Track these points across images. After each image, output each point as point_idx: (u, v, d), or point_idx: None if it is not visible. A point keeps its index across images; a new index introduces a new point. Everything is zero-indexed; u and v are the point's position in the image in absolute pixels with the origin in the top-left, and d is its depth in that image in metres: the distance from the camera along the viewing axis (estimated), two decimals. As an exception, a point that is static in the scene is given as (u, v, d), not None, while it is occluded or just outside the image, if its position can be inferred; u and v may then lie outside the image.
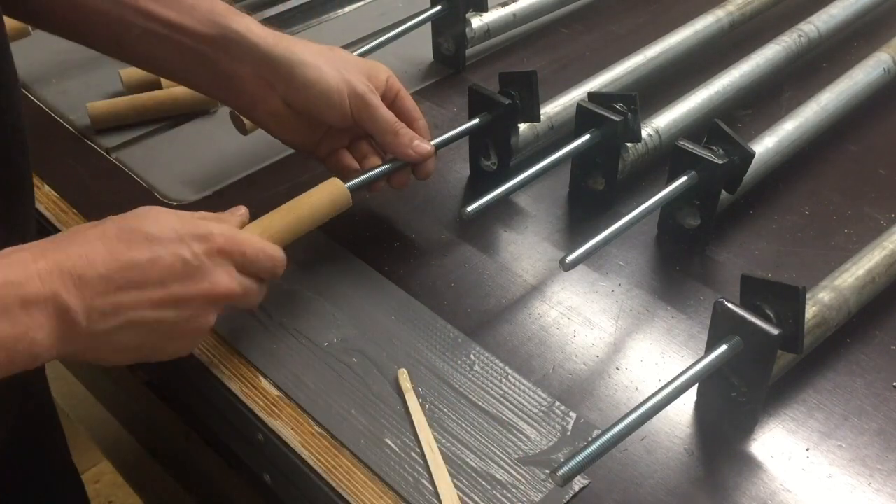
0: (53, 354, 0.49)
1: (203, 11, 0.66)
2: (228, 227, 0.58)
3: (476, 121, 0.76)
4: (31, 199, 0.65)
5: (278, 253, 0.61)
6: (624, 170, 0.76)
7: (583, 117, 0.74)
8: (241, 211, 0.63)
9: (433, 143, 0.72)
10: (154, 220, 0.54)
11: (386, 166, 0.71)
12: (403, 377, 0.62)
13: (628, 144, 0.75)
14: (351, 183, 0.68)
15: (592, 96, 0.74)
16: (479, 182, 0.81)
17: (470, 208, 0.66)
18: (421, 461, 0.57)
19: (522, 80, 0.74)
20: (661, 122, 0.79)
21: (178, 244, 0.54)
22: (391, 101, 0.71)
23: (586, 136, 0.73)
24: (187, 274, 0.54)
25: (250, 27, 0.67)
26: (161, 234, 0.53)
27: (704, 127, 0.71)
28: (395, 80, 0.72)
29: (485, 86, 0.76)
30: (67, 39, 0.70)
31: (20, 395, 0.68)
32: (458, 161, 0.83)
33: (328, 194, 0.66)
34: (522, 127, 0.78)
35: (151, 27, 0.66)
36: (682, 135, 0.73)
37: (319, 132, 0.71)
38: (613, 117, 0.72)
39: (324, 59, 0.68)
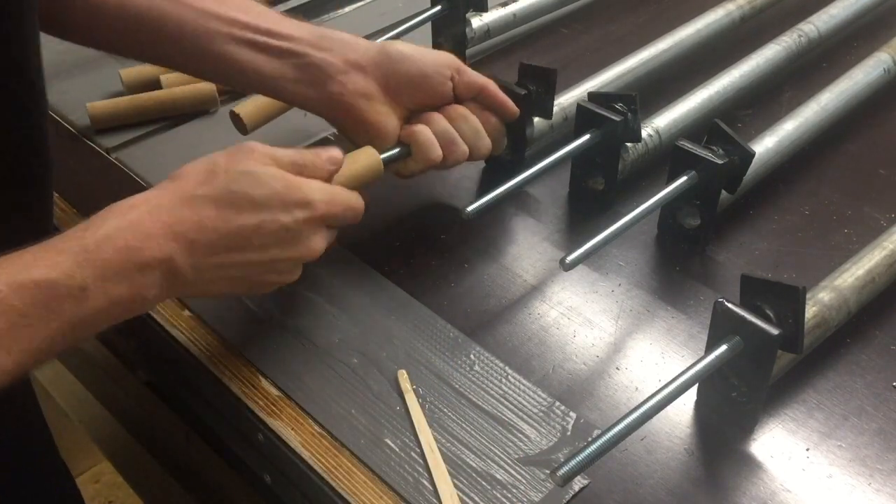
0: (159, 301, 0.56)
1: (293, 18, 0.71)
2: (326, 189, 0.61)
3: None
4: (51, 194, 0.67)
5: (360, 204, 0.64)
6: (624, 170, 0.76)
7: (583, 117, 0.74)
8: (336, 156, 0.63)
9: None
10: (260, 181, 0.57)
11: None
12: (403, 378, 0.62)
13: (628, 144, 0.75)
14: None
15: (592, 96, 0.74)
16: (495, 173, 0.82)
17: (470, 208, 0.66)
18: (421, 461, 0.57)
19: (541, 75, 0.75)
20: (661, 122, 0.79)
21: (281, 212, 0.57)
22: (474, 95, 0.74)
23: (586, 137, 0.73)
24: (286, 240, 0.58)
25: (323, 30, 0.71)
26: (267, 202, 0.57)
27: (704, 127, 0.71)
28: (461, 63, 0.74)
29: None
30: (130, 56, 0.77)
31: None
32: (458, 161, 0.83)
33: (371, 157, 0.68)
34: (538, 118, 0.79)
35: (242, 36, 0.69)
36: (682, 135, 0.73)
37: (405, 113, 0.72)
38: (613, 117, 0.72)
39: (414, 49, 0.72)
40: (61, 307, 0.50)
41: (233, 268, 0.57)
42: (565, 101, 0.82)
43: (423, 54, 0.71)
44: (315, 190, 0.60)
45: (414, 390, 0.61)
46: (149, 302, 0.54)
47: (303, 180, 0.59)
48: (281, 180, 0.58)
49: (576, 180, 0.78)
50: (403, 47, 0.71)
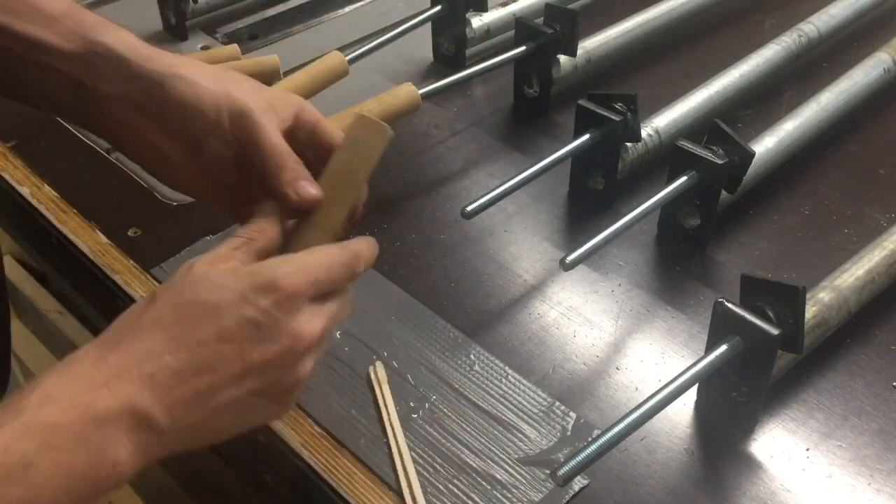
0: (138, 467, 0.44)
1: (68, 24, 0.55)
2: (286, 260, 0.49)
3: (522, 48, 0.83)
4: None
5: (352, 254, 0.51)
6: (624, 169, 0.76)
7: (583, 117, 0.74)
8: (268, 231, 0.52)
9: (489, 63, 0.82)
10: (206, 284, 0.47)
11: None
12: (379, 369, 0.62)
13: (628, 144, 0.76)
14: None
15: (592, 97, 0.74)
16: (523, 110, 0.88)
17: (470, 207, 0.66)
18: (424, 458, 0.57)
19: (565, 16, 0.81)
20: (661, 121, 0.79)
21: (241, 305, 0.46)
22: (305, 136, 0.56)
23: (586, 136, 0.73)
24: (263, 336, 0.47)
25: (123, 38, 0.56)
26: (220, 300, 0.46)
27: (704, 126, 0.71)
28: (312, 112, 0.57)
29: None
30: None
31: None
32: (457, 161, 0.83)
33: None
34: (563, 59, 0.85)
35: (4, 44, 0.55)
36: (682, 134, 0.74)
37: (227, 174, 0.57)
38: (613, 117, 0.72)
39: (207, 74, 0.56)
40: (2, 492, 0.39)
41: (215, 393, 0.46)
42: (590, 44, 0.89)
43: (200, 91, 0.55)
44: (278, 265, 0.48)
45: (389, 382, 0.61)
46: (123, 465, 0.42)
47: (258, 264, 0.49)
48: (230, 273, 0.47)
49: (576, 180, 0.78)
50: (182, 83, 0.55)
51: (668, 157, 0.71)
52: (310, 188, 0.53)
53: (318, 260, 0.50)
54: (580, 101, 0.74)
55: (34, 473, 0.40)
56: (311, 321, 0.48)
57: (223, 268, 0.48)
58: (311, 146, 0.56)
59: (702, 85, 0.84)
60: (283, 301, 0.47)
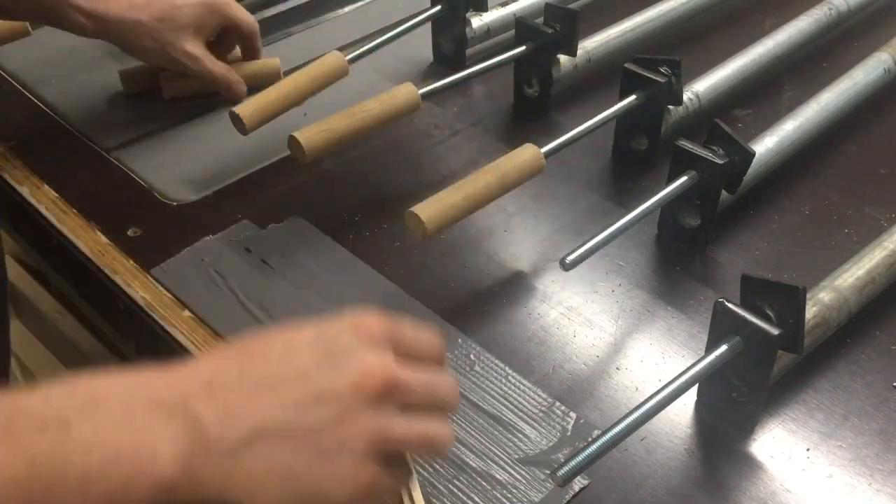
0: (177, 474, 0.39)
1: None
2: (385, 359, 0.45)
3: (522, 48, 0.83)
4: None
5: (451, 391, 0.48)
6: (666, 131, 0.80)
7: (628, 79, 0.78)
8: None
9: (489, 63, 0.82)
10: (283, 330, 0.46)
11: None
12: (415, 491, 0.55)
13: (670, 107, 0.79)
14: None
15: (638, 60, 0.78)
16: (523, 110, 0.89)
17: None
18: (424, 458, 0.57)
19: (565, 15, 0.81)
20: (701, 86, 0.84)
21: (315, 331, 0.45)
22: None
23: (632, 98, 0.77)
24: (331, 363, 0.44)
25: None
26: (296, 329, 0.46)
27: (741, 92, 0.83)
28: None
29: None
30: None
31: None
32: (457, 161, 0.83)
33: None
34: (563, 59, 0.86)
35: None
36: (720, 99, 0.84)
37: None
38: (658, 79, 0.76)
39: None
40: (32, 440, 0.36)
41: (269, 412, 0.42)
42: (589, 44, 0.89)
43: None
44: (367, 350, 0.45)
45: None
46: (162, 461, 0.39)
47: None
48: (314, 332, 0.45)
49: (620, 141, 0.82)
50: None
51: (705, 121, 0.75)
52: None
53: (409, 325, 0.48)
54: (626, 65, 0.78)
55: (71, 435, 0.37)
56: (382, 358, 0.45)
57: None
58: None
59: (739, 53, 0.88)
60: (360, 331, 0.45)
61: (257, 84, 0.85)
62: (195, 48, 0.83)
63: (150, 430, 0.39)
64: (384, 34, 0.88)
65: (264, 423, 0.41)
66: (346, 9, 1.07)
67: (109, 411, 0.39)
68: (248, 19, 0.87)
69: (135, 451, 0.38)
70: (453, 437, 0.48)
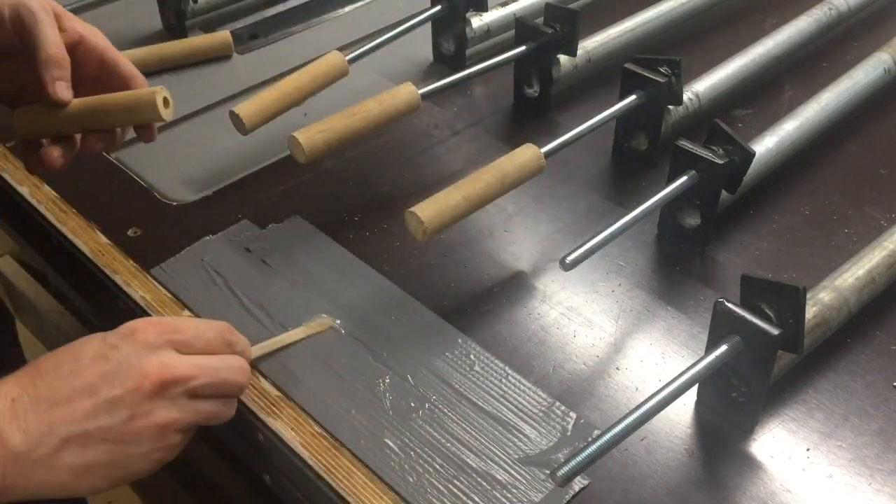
0: None
1: None
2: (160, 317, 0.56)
3: (522, 48, 0.83)
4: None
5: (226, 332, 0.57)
6: (666, 130, 0.80)
7: (628, 80, 0.78)
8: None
9: (489, 63, 0.82)
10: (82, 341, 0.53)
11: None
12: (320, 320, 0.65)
13: (669, 107, 0.79)
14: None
15: (637, 60, 0.78)
16: (523, 110, 0.89)
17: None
18: (424, 458, 0.57)
19: (565, 15, 0.81)
20: (701, 86, 0.84)
21: (98, 344, 0.52)
22: (95, 61, 0.64)
23: (632, 97, 0.77)
24: (112, 372, 0.50)
25: None
26: (83, 344, 0.52)
27: (740, 92, 0.83)
28: (101, 39, 0.64)
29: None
30: None
31: None
32: (457, 161, 0.83)
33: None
34: (563, 59, 0.86)
35: None
36: (720, 99, 0.84)
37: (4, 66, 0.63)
38: (658, 79, 0.76)
39: None
40: None
41: (67, 424, 0.49)
42: (589, 44, 0.89)
43: None
44: (142, 322, 0.54)
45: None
46: None
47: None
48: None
49: (620, 141, 0.82)
50: None
51: (705, 121, 0.74)
52: (66, 91, 0.61)
53: (189, 320, 0.56)
54: (626, 65, 0.78)
55: None
56: (162, 360, 0.52)
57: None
58: (100, 70, 0.63)
59: (739, 53, 0.88)
60: (136, 341, 0.52)
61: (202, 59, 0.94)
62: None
63: None
64: (384, 34, 0.88)
65: (66, 435, 0.49)
66: (346, 9, 1.07)
67: None
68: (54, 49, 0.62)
69: None
70: (233, 409, 0.57)
